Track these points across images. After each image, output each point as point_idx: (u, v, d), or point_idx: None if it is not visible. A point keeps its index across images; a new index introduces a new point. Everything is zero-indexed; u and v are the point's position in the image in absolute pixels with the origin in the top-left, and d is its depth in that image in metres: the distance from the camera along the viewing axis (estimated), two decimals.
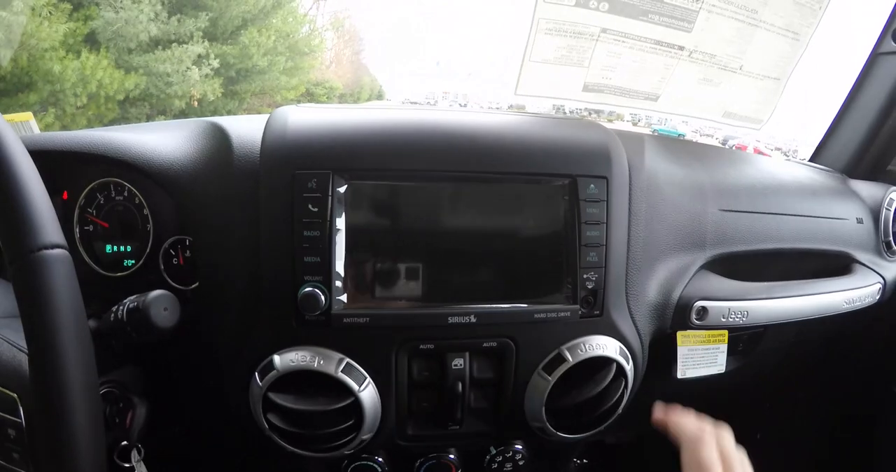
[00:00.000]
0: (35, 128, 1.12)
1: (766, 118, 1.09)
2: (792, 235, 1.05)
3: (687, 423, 0.81)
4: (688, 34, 0.95)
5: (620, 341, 0.83)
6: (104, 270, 0.90)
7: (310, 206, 0.73)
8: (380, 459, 0.86)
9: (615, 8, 0.90)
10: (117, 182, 0.89)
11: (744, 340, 1.09)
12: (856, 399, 1.40)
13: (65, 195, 0.90)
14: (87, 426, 0.56)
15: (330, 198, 0.73)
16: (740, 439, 1.51)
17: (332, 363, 0.74)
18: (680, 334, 0.96)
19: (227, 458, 1.13)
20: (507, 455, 0.91)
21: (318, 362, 0.74)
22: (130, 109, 7.87)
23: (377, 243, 0.78)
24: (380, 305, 0.76)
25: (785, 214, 1.05)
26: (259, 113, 1.03)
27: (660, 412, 0.85)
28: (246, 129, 0.85)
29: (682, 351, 0.97)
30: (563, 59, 0.92)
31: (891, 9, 1.28)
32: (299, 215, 0.73)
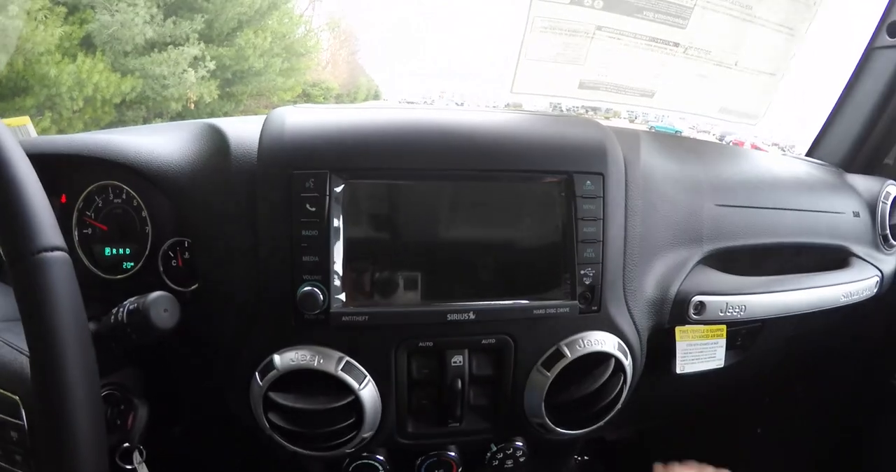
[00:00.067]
0: (32, 132, 1.12)
1: (761, 114, 1.10)
2: (789, 229, 1.05)
3: None
4: (683, 31, 0.95)
5: (618, 337, 0.84)
6: (103, 272, 0.90)
7: (307, 206, 0.73)
8: (380, 457, 0.87)
9: (610, 5, 0.90)
10: (115, 185, 0.89)
11: (742, 334, 1.10)
12: (855, 392, 1.40)
13: (63, 198, 0.90)
14: (89, 428, 0.56)
15: (328, 198, 0.74)
16: (740, 434, 1.52)
17: (332, 362, 0.75)
18: (678, 330, 0.96)
19: (228, 458, 1.14)
20: (508, 452, 0.91)
21: (318, 361, 0.74)
22: (127, 112, 7.86)
23: (375, 241, 0.78)
24: (378, 303, 0.77)
25: (782, 209, 1.05)
26: (256, 114, 1.03)
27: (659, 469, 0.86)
28: (243, 130, 0.85)
29: (680, 346, 0.97)
30: (559, 57, 0.93)
31: (885, 3, 1.28)
32: (297, 215, 0.74)
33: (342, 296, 0.75)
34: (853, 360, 1.39)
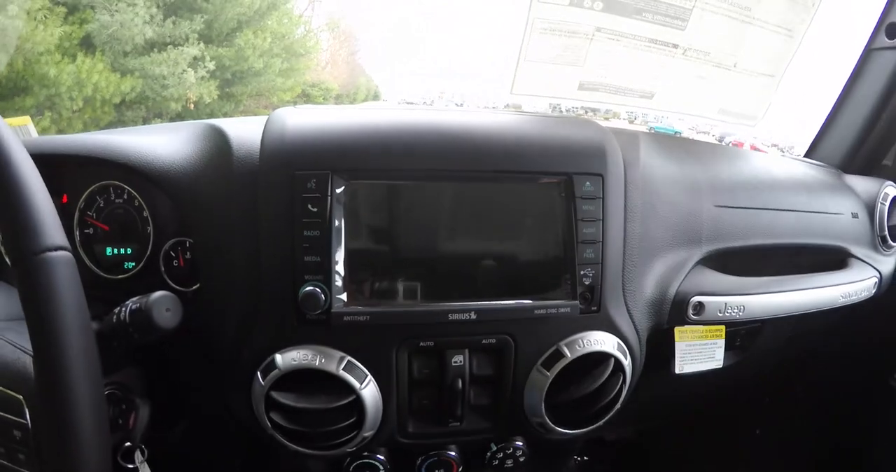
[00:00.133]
0: (33, 132, 1.13)
1: (760, 115, 1.10)
2: (787, 230, 1.05)
3: None
4: (682, 32, 0.95)
5: (618, 337, 0.84)
6: (105, 272, 0.91)
7: (309, 206, 0.74)
8: (381, 456, 0.87)
9: (609, 7, 0.90)
10: (117, 185, 0.90)
11: (741, 335, 1.10)
12: (854, 393, 1.40)
13: (64, 198, 0.91)
14: (92, 427, 0.56)
15: (329, 198, 0.74)
16: (739, 434, 1.52)
17: (334, 362, 0.75)
18: (677, 330, 0.97)
19: (230, 457, 1.14)
20: (508, 452, 0.91)
21: (320, 361, 0.74)
22: (127, 112, 7.86)
23: (376, 242, 0.78)
24: (380, 303, 0.77)
25: (780, 210, 1.05)
26: (256, 114, 1.04)
27: None
28: (245, 131, 0.85)
29: (679, 347, 0.97)
30: (559, 59, 0.93)
31: (883, 4, 1.28)
32: (299, 216, 0.74)
33: (343, 296, 0.75)
34: (852, 360, 1.40)
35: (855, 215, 1.17)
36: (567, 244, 0.80)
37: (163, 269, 0.89)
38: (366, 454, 0.86)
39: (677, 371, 0.98)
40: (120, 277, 0.91)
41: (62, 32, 7.06)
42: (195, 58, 8.09)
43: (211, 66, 8.27)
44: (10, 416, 0.60)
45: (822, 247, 1.11)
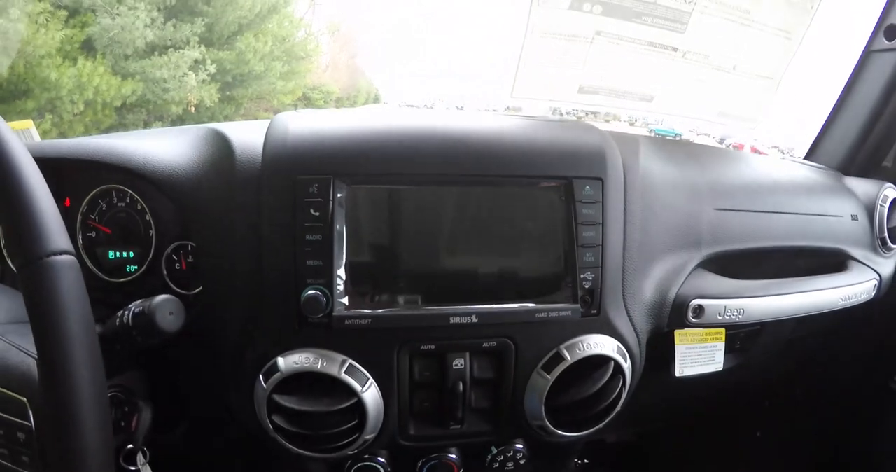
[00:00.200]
0: (35, 135, 1.13)
1: (760, 117, 1.10)
2: (787, 233, 1.06)
3: None
4: (681, 35, 0.96)
5: (618, 340, 0.84)
6: (107, 275, 0.91)
7: (311, 210, 0.74)
8: (382, 459, 0.87)
9: (609, 10, 0.91)
10: (119, 189, 0.90)
11: (741, 337, 1.10)
12: (854, 395, 1.40)
13: (67, 202, 0.91)
14: (96, 429, 0.57)
15: (331, 202, 0.75)
16: (740, 437, 1.52)
17: (335, 365, 0.75)
18: (677, 333, 0.97)
19: (231, 459, 1.14)
20: (508, 454, 0.92)
21: (322, 364, 0.75)
22: (127, 115, 7.86)
23: (378, 245, 0.79)
24: (381, 307, 0.77)
25: (780, 213, 1.06)
26: (256, 117, 1.05)
27: None
28: (247, 135, 0.86)
29: (679, 349, 0.98)
30: (558, 62, 0.93)
31: (882, 7, 1.29)
32: (301, 220, 0.74)
33: (345, 300, 0.75)
34: (852, 362, 1.40)
35: (854, 218, 1.17)
36: (567, 248, 0.81)
37: (165, 272, 0.90)
38: (367, 456, 0.86)
39: (677, 374, 0.98)
40: (122, 280, 0.91)
41: (63, 36, 7.06)
42: (196, 61, 8.09)
43: (212, 69, 8.27)
44: (13, 418, 0.61)
45: (821, 249, 1.11)
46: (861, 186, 1.24)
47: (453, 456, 0.90)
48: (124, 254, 0.92)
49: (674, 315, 0.92)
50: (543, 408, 0.82)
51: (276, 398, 0.75)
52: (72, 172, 0.90)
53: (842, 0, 1.23)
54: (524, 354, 0.82)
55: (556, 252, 0.81)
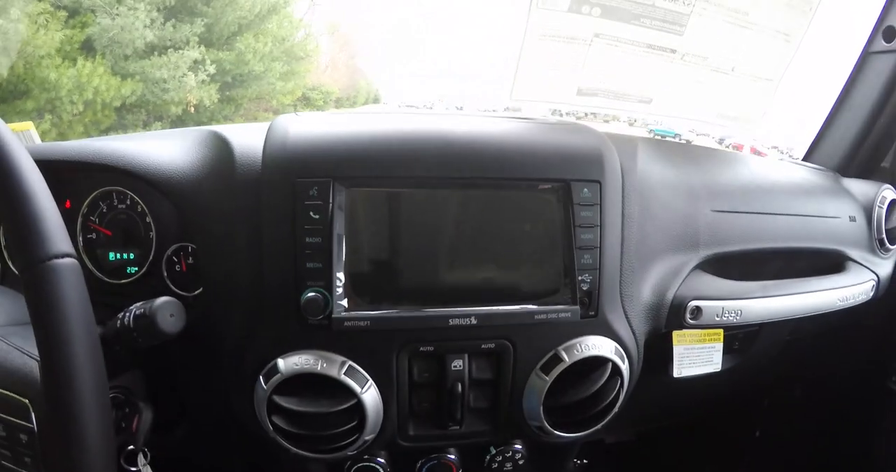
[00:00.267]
0: (35, 137, 1.13)
1: (759, 119, 1.10)
2: (785, 234, 1.06)
3: None
4: (679, 37, 0.96)
5: (616, 341, 0.85)
6: (107, 277, 0.92)
7: (311, 213, 0.75)
8: (381, 459, 0.88)
9: (607, 12, 0.91)
10: (120, 190, 0.91)
11: (739, 338, 1.10)
12: (853, 395, 1.41)
13: (67, 204, 0.91)
14: (97, 431, 0.57)
15: (331, 205, 0.75)
16: (739, 437, 1.53)
17: (335, 366, 0.76)
18: (675, 334, 0.97)
19: (231, 460, 1.14)
20: (507, 455, 0.92)
21: (322, 365, 0.75)
22: (127, 115, 7.85)
23: (377, 248, 0.79)
24: (380, 308, 0.77)
25: (778, 214, 1.06)
26: (256, 118, 1.05)
27: None
28: (247, 138, 0.86)
29: (678, 350, 0.98)
30: (557, 64, 0.94)
31: (880, 8, 1.29)
32: (301, 223, 0.75)
33: (345, 302, 0.75)
34: (851, 363, 1.40)
35: (852, 219, 1.17)
36: (565, 250, 0.81)
37: (165, 274, 0.90)
38: (366, 457, 0.87)
39: (675, 375, 0.98)
40: (122, 281, 0.91)
41: (63, 36, 7.06)
42: (196, 61, 8.09)
43: (211, 69, 8.26)
44: (16, 420, 0.61)
45: (819, 250, 1.11)
46: (859, 188, 1.24)
47: (452, 457, 0.91)
48: (125, 256, 0.92)
49: (671, 317, 0.93)
50: (542, 409, 0.82)
51: (277, 398, 0.75)
52: (72, 174, 0.91)
53: (840, 2, 1.23)
54: (522, 355, 0.82)
55: (555, 254, 0.81)
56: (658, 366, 0.97)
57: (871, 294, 1.13)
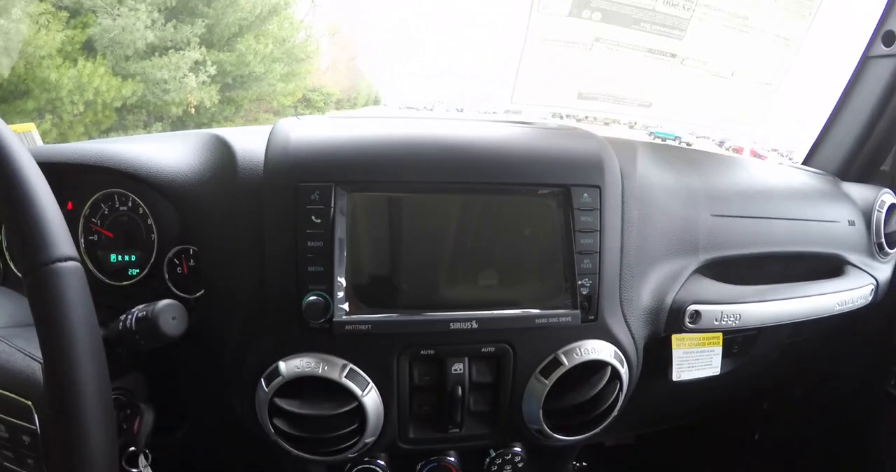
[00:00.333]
0: (37, 138, 1.14)
1: (758, 122, 1.11)
2: (784, 238, 1.06)
3: None
4: (679, 42, 0.96)
5: (615, 345, 0.85)
6: (109, 279, 0.92)
7: (313, 217, 0.75)
8: (381, 462, 0.88)
9: (608, 17, 0.91)
10: (122, 193, 0.91)
11: (739, 342, 1.11)
12: (852, 399, 1.41)
13: (69, 205, 0.92)
14: (100, 432, 0.57)
15: (332, 210, 0.75)
16: (738, 439, 1.53)
17: (336, 369, 0.76)
18: (675, 338, 0.97)
19: (231, 462, 1.15)
20: (507, 457, 0.92)
21: (323, 368, 0.75)
22: (127, 116, 7.84)
23: (379, 252, 0.79)
24: (381, 312, 0.78)
25: (777, 218, 1.06)
26: (257, 119, 1.05)
27: None
28: (249, 142, 0.87)
29: (677, 354, 0.98)
30: (558, 68, 0.94)
31: (880, 13, 1.29)
32: (303, 227, 0.75)
33: (346, 305, 0.76)
34: (849, 367, 1.40)
35: (852, 223, 1.17)
36: (565, 255, 0.81)
37: (166, 276, 0.90)
38: (366, 459, 0.87)
39: (675, 378, 0.99)
40: (124, 283, 0.91)
41: (64, 36, 7.05)
42: (196, 62, 8.07)
43: (212, 70, 8.24)
44: (19, 422, 0.61)
45: (818, 255, 1.12)
46: (858, 192, 1.25)
47: (452, 459, 0.91)
48: (126, 257, 0.92)
49: (671, 321, 0.93)
50: (541, 412, 0.83)
51: (278, 401, 0.75)
52: (74, 176, 0.91)
53: (840, 6, 1.23)
54: (522, 359, 0.82)
55: (555, 259, 0.82)
56: (657, 370, 0.98)
57: (870, 298, 1.13)
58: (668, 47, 0.97)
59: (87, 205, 0.92)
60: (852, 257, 1.16)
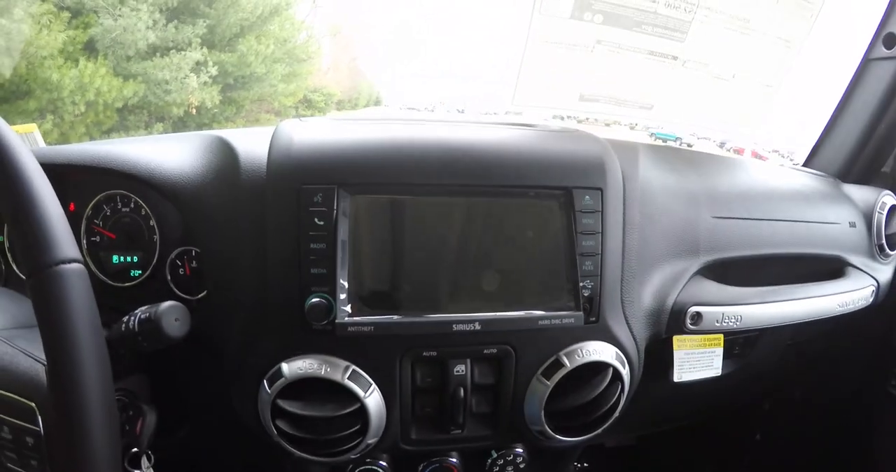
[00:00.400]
0: (39, 139, 1.14)
1: (759, 124, 1.11)
2: (785, 240, 1.06)
3: None
4: (681, 44, 0.96)
5: (616, 347, 0.85)
6: (111, 280, 0.92)
7: (316, 219, 0.75)
8: (383, 463, 0.88)
9: (609, 19, 0.92)
10: (124, 194, 0.91)
11: (740, 343, 1.11)
12: (853, 399, 1.41)
13: (72, 207, 0.92)
14: (103, 434, 0.57)
15: (335, 212, 0.75)
16: (739, 440, 1.53)
17: (339, 371, 0.76)
18: (676, 339, 0.98)
19: (233, 463, 1.15)
20: (508, 459, 0.92)
21: (325, 370, 0.75)
22: (129, 116, 7.83)
23: (381, 254, 0.79)
24: (384, 314, 0.78)
25: (778, 220, 1.06)
26: (258, 119, 1.05)
27: None
28: (251, 143, 0.87)
29: (678, 355, 0.98)
30: (559, 71, 0.94)
31: (881, 15, 1.29)
32: (305, 229, 0.75)
33: (348, 307, 0.76)
34: (850, 367, 1.40)
35: (852, 224, 1.18)
36: (567, 256, 0.81)
37: (169, 277, 0.90)
38: (369, 460, 0.87)
39: (676, 379, 0.99)
40: (126, 284, 0.92)
41: (66, 37, 7.05)
42: (198, 63, 8.07)
43: (213, 71, 8.23)
44: (22, 423, 0.61)
45: (819, 256, 1.12)
46: (859, 193, 1.25)
47: (454, 460, 0.91)
48: (128, 259, 0.92)
49: (672, 322, 0.93)
50: (543, 413, 0.83)
51: (280, 402, 0.76)
52: (76, 177, 0.91)
53: (841, 8, 1.24)
54: (524, 360, 0.83)
55: (557, 261, 0.82)
56: (658, 371, 0.98)
57: (871, 300, 1.13)
58: (670, 49, 0.97)
59: (90, 206, 0.92)
60: (853, 259, 1.16)
